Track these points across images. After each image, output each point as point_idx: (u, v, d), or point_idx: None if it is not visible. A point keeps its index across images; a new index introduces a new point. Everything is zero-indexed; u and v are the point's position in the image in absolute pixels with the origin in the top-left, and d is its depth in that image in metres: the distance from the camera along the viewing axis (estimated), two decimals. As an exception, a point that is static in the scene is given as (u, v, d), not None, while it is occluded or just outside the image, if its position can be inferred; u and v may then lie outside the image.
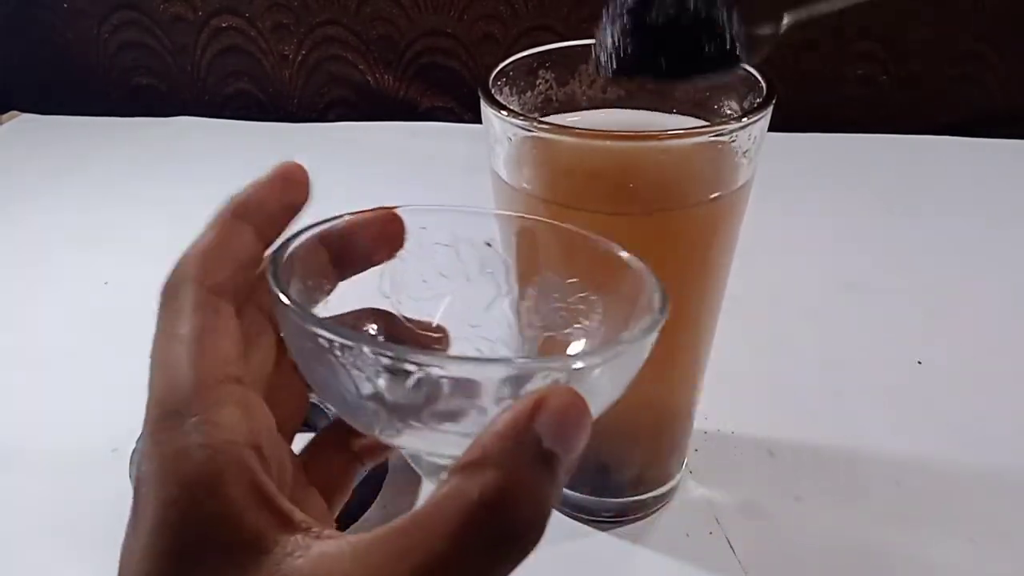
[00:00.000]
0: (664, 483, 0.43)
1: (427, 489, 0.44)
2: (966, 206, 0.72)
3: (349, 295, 0.25)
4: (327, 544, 0.18)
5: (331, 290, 0.25)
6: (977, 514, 0.42)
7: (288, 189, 0.24)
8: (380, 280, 0.26)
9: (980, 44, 0.84)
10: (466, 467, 0.17)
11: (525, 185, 0.34)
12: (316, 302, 0.24)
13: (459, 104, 0.92)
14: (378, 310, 0.26)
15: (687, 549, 0.40)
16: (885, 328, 0.57)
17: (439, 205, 0.26)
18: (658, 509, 0.43)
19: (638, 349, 0.21)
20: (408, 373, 0.19)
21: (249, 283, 0.23)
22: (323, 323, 0.20)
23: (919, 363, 0.53)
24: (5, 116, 0.95)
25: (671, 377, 0.40)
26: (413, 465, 0.24)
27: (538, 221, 0.27)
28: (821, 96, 0.87)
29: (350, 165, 0.79)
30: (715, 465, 0.45)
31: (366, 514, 0.42)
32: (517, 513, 0.17)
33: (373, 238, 0.25)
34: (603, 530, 0.42)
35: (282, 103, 0.94)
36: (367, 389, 0.20)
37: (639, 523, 0.42)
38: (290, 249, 0.23)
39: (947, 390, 0.51)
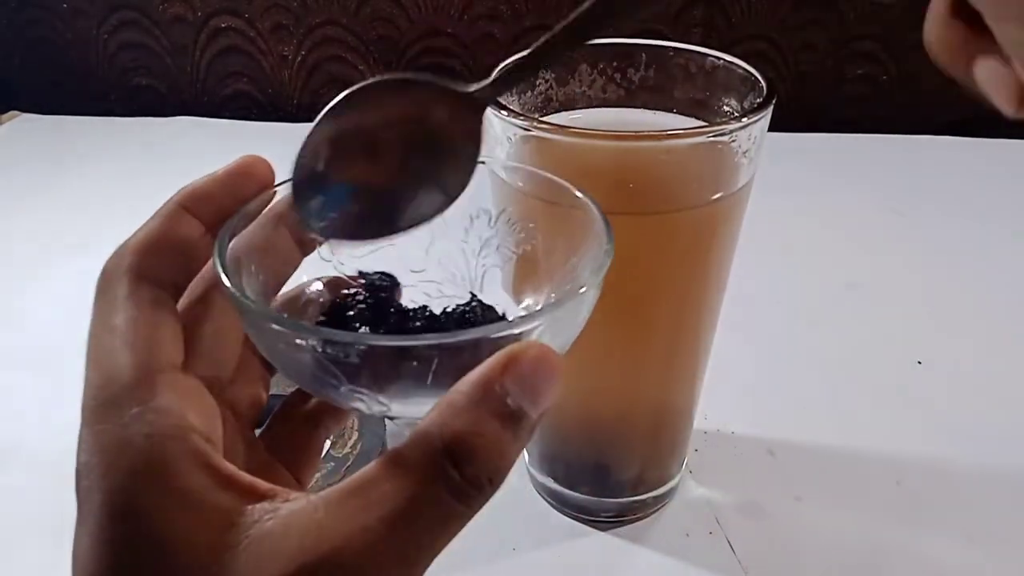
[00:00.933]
0: (664, 483, 0.43)
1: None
2: (966, 206, 0.72)
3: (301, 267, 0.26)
4: (295, 503, 0.19)
5: (296, 268, 0.25)
6: (977, 514, 0.42)
7: (244, 183, 0.24)
8: (319, 246, 0.26)
9: (980, 44, 0.83)
10: (434, 419, 0.18)
11: (525, 185, 0.34)
12: (282, 283, 0.24)
13: (459, 104, 0.92)
14: (327, 279, 0.27)
15: (687, 549, 0.40)
16: (885, 328, 0.57)
17: None
18: (658, 509, 0.43)
19: (582, 301, 0.21)
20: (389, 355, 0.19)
21: (191, 273, 0.23)
22: (296, 325, 0.20)
23: (919, 363, 0.53)
24: (5, 116, 0.95)
25: (671, 377, 0.40)
26: (400, 427, 0.24)
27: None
28: (821, 96, 0.87)
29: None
30: (715, 465, 0.45)
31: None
32: (477, 463, 0.18)
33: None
34: (603, 530, 0.42)
35: (281, 104, 0.94)
36: (352, 376, 0.20)
37: (639, 523, 0.42)
38: (240, 243, 0.23)
39: (947, 390, 0.51)
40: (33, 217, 0.73)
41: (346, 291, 0.26)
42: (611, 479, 0.42)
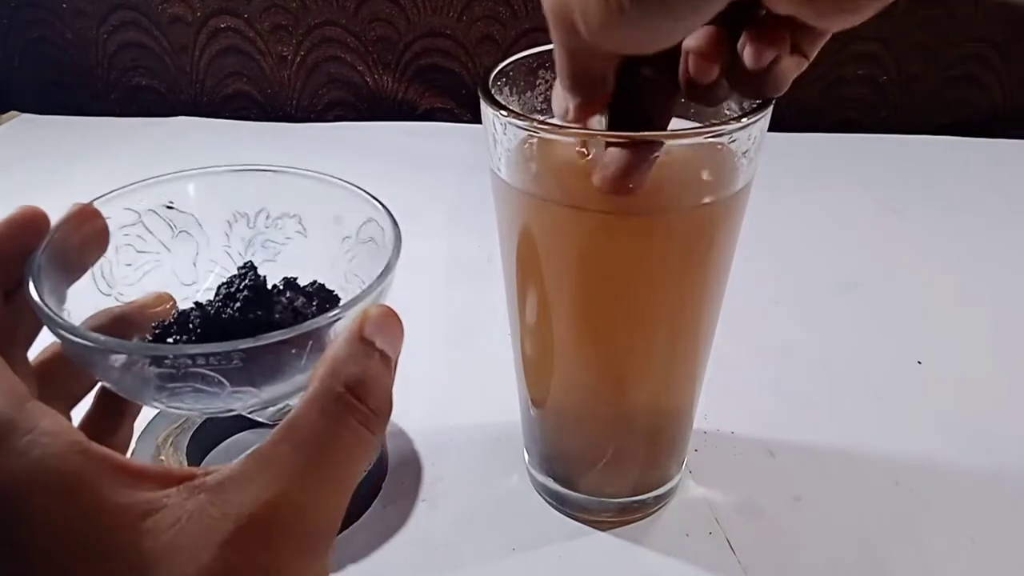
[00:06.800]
0: (664, 483, 0.43)
1: (426, 483, 0.44)
2: (966, 206, 0.72)
3: (80, 307, 0.26)
4: (220, 473, 0.20)
5: (65, 297, 0.26)
6: (977, 514, 0.42)
7: (23, 233, 0.25)
8: (95, 284, 0.28)
9: (980, 44, 0.84)
10: (323, 373, 0.22)
11: (525, 185, 0.34)
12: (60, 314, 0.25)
13: (458, 105, 0.92)
14: (111, 313, 0.28)
15: (687, 549, 0.40)
16: (885, 328, 0.57)
17: (108, 193, 0.28)
18: (658, 509, 0.43)
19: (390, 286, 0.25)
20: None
21: None
22: (175, 348, 0.22)
23: (919, 363, 0.53)
24: (5, 116, 0.95)
25: (671, 377, 0.40)
26: (258, 417, 0.27)
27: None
28: (821, 96, 0.87)
29: (349, 166, 0.79)
30: (715, 465, 0.45)
31: (365, 514, 0.42)
32: (374, 395, 0.22)
33: (90, 239, 0.27)
34: (603, 530, 0.42)
35: (281, 104, 0.94)
36: (237, 405, 0.24)
37: (639, 523, 0.42)
38: (43, 288, 0.24)
39: (947, 390, 0.51)
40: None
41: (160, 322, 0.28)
42: (611, 479, 0.42)
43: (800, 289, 0.61)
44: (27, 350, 0.26)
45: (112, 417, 0.28)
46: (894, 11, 0.83)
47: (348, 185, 0.28)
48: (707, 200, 0.34)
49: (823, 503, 0.43)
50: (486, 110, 0.33)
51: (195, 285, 0.30)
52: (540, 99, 0.38)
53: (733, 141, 0.32)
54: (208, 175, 0.29)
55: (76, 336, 0.22)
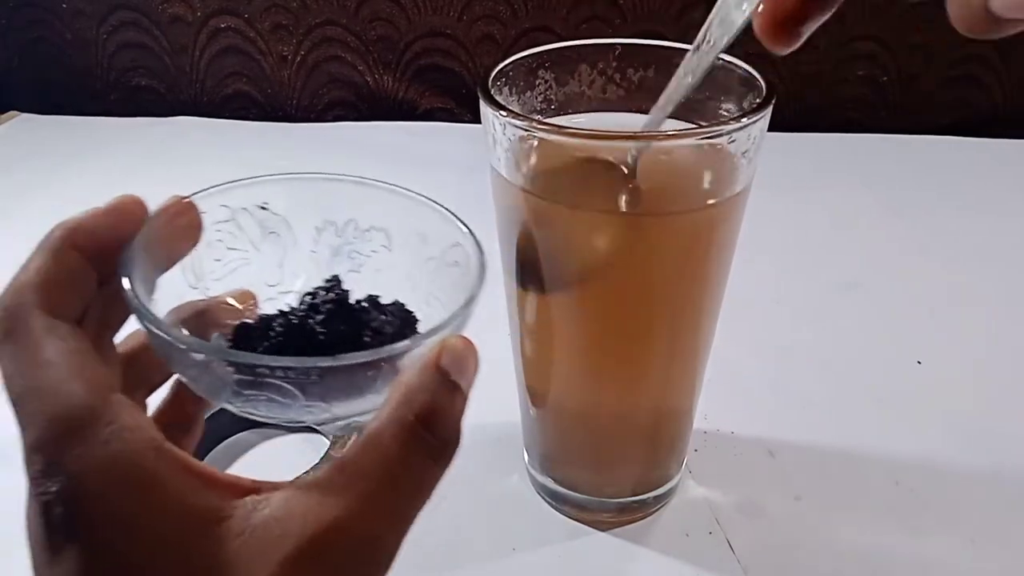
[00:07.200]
0: (664, 483, 0.43)
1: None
2: (966, 206, 0.72)
3: (166, 298, 0.26)
4: (285, 491, 0.21)
5: (155, 287, 0.26)
6: (977, 514, 0.42)
7: (122, 221, 0.25)
8: (183, 276, 0.28)
9: (980, 44, 0.84)
10: (397, 400, 0.22)
11: (525, 185, 0.34)
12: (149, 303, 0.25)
13: (458, 104, 0.92)
14: (195, 307, 0.28)
15: (687, 549, 0.40)
16: (885, 328, 0.57)
17: (206, 188, 0.28)
18: (658, 509, 0.43)
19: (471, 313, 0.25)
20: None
21: (84, 306, 0.24)
22: (257, 358, 0.21)
23: (919, 363, 0.53)
24: (5, 116, 0.95)
25: (671, 377, 0.40)
26: (324, 429, 0.26)
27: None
28: (821, 96, 0.87)
29: (349, 166, 0.78)
30: (715, 465, 0.45)
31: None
32: (444, 426, 0.22)
33: (184, 232, 0.27)
34: (603, 530, 0.42)
35: (281, 104, 0.94)
36: (307, 417, 0.24)
37: (639, 523, 0.42)
38: (135, 278, 0.24)
39: (947, 390, 0.51)
40: (33, 217, 0.73)
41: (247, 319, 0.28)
42: (611, 479, 0.42)
43: (800, 289, 0.61)
44: (115, 335, 0.26)
45: (185, 415, 0.28)
46: (893, 11, 0.84)
47: (438, 206, 0.28)
48: (707, 200, 0.34)
49: (823, 503, 0.43)
50: (486, 110, 0.33)
51: (279, 286, 0.30)
52: (540, 99, 0.38)
53: (733, 141, 0.32)
54: (304, 180, 0.29)
55: (161, 331, 0.22)
